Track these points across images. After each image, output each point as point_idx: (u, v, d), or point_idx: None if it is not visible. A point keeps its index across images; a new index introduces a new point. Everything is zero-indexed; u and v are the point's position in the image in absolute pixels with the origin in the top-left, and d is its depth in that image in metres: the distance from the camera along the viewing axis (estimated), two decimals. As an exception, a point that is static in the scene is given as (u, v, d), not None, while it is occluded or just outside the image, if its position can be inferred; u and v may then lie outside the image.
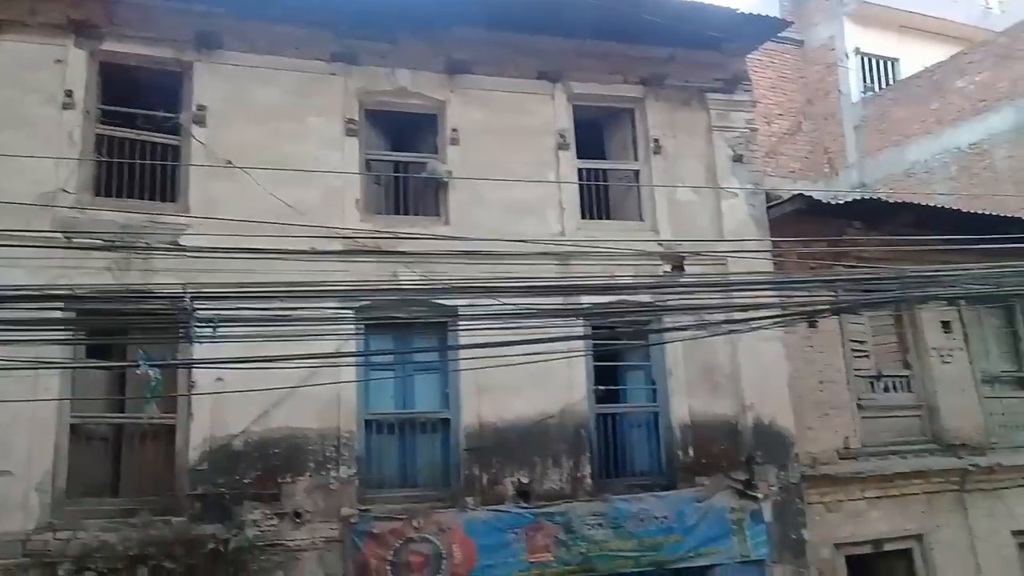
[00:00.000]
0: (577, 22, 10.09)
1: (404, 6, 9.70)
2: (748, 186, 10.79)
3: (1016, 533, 11.56)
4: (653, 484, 9.79)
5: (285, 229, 8.38)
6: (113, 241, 8.38)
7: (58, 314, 7.15)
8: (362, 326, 8.70)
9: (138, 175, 8.89)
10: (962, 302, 11.26)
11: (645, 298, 9.41)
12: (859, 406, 11.20)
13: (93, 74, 8.95)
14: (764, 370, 10.26)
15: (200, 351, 7.54)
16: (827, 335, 11.04)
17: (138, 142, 9.00)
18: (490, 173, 9.55)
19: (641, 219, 10.55)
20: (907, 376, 11.81)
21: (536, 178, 9.89)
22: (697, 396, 10.09)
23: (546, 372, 8.88)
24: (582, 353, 9.38)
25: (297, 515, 8.48)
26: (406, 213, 9.95)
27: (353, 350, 8.57)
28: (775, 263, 10.37)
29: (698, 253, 10.11)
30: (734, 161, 10.83)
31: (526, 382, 9.13)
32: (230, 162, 8.90)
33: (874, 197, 12.43)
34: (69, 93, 8.68)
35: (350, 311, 8.18)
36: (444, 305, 8.87)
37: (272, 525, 8.40)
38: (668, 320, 9.37)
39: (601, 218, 10.51)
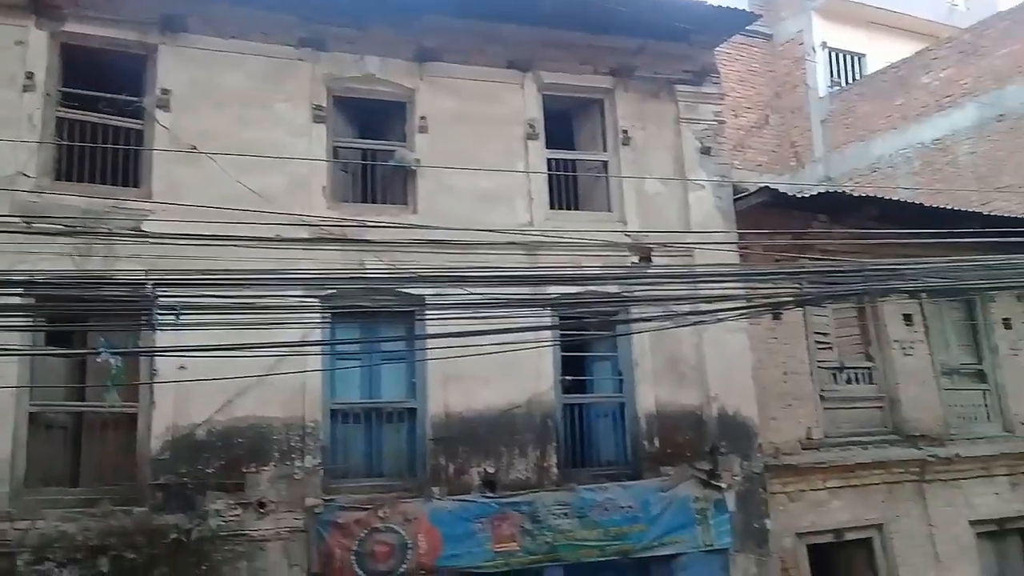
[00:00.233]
0: (547, 12, 10.07)
1: (373, -8, 9.63)
2: (715, 178, 10.85)
3: (974, 523, 11.78)
4: (619, 474, 9.85)
5: (250, 216, 8.28)
6: (74, 226, 8.24)
7: (17, 300, 6.99)
8: (328, 315, 8.63)
9: (100, 159, 8.75)
10: (923, 295, 11.42)
11: (612, 289, 9.43)
12: (822, 397, 11.34)
13: (54, 56, 8.78)
14: (729, 361, 10.34)
15: (163, 339, 7.46)
16: (791, 327, 11.16)
17: (100, 126, 8.86)
18: (459, 162, 9.51)
19: (609, 210, 10.57)
20: (869, 368, 11.97)
21: (505, 167, 9.87)
22: (663, 386, 10.15)
23: (513, 362, 8.86)
24: (549, 343, 9.39)
25: (261, 505, 8.42)
26: (374, 201, 9.89)
27: (319, 339, 8.52)
28: (741, 255, 10.46)
29: (665, 244, 10.14)
30: (702, 153, 10.88)
31: (493, 372, 9.12)
32: (195, 147, 8.79)
33: (839, 191, 12.55)
34: (30, 75, 8.52)
35: (316, 299, 8.12)
36: (411, 294, 8.82)
37: (236, 515, 8.33)
38: (635, 311, 9.43)
39: (569, 208, 10.51)
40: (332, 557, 8.40)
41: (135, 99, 9.04)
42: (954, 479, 11.77)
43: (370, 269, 8.86)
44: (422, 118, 9.85)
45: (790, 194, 11.20)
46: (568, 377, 9.93)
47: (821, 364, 11.51)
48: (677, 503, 9.64)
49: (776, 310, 10.15)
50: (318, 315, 8.20)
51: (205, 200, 8.34)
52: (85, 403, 8.51)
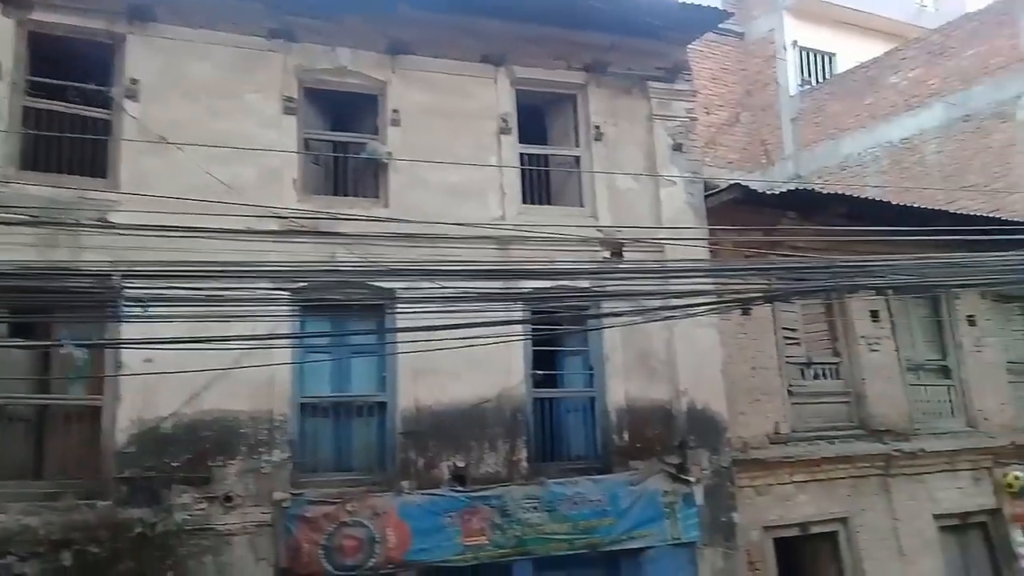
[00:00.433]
0: (521, 6, 10.07)
1: (345, -17, 9.57)
2: (687, 175, 10.90)
3: (937, 516, 11.96)
4: (589, 468, 9.88)
5: (220, 208, 8.19)
6: (39, 216, 8.10)
7: (-21, 291, 6.90)
8: (298, 308, 8.59)
9: (67, 149, 8.64)
10: (890, 292, 11.55)
11: (584, 284, 9.47)
12: (790, 392, 11.45)
13: (22, 45, 8.63)
14: (699, 356, 10.40)
15: (129, 331, 7.41)
16: (760, 323, 11.25)
17: (67, 115, 8.73)
18: (431, 156, 9.49)
19: (581, 205, 10.58)
20: (836, 363, 12.10)
21: (477, 162, 9.85)
22: (633, 381, 10.19)
23: (484, 356, 8.85)
24: (520, 337, 9.39)
25: (228, 499, 8.35)
26: (345, 194, 9.84)
27: (288, 332, 8.46)
28: (711, 251, 10.52)
29: (636, 240, 10.19)
30: (673, 150, 10.92)
31: (464, 366, 9.12)
32: (163, 138, 8.68)
33: (808, 188, 12.67)
34: (-4, 63, 8.37)
35: (286, 292, 8.06)
36: (382, 288, 8.79)
37: (202, 509, 8.26)
38: (606, 306, 9.47)
39: (542, 203, 10.52)
40: (300, 551, 8.36)
41: (103, 88, 8.90)
42: (918, 473, 11.94)
43: (341, 262, 8.80)
44: (394, 111, 9.80)
45: (760, 191, 11.30)
46: (539, 371, 9.93)
47: (789, 360, 11.63)
48: (646, 497, 9.70)
49: (745, 306, 10.22)
50: (288, 308, 8.15)
51: (173, 191, 8.28)
52: (49, 395, 8.38)
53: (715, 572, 9.92)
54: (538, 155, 10.69)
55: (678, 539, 9.73)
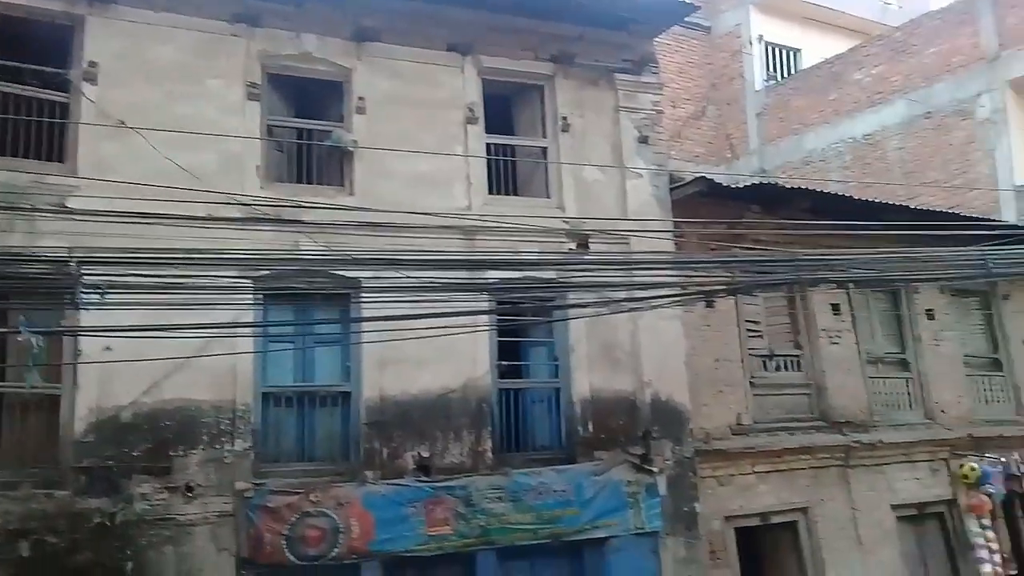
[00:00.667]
0: (489, -5, 10.04)
1: (311, -32, 9.46)
2: (652, 167, 10.95)
3: (895, 507, 12.15)
4: (553, 458, 9.90)
5: (180, 194, 8.06)
6: (-6, 201, 7.94)
7: (-68, 277, 6.74)
8: (261, 296, 8.51)
9: (24, 133, 8.43)
10: (851, 285, 11.70)
11: (549, 274, 9.47)
12: (752, 384, 11.56)
13: (-25, 25, 8.44)
14: (663, 348, 10.47)
15: (87, 318, 7.27)
16: (724, 315, 11.34)
17: (25, 98, 8.53)
18: (397, 144, 9.42)
19: (548, 196, 10.59)
20: (798, 356, 12.22)
21: (443, 151, 9.81)
22: (598, 372, 10.22)
23: (449, 346, 8.89)
24: (486, 328, 9.40)
25: (189, 489, 8.26)
26: (309, 182, 9.73)
27: (251, 321, 8.37)
28: (676, 243, 10.59)
29: (602, 231, 10.21)
30: (640, 142, 10.96)
31: (429, 356, 9.12)
32: (123, 122, 8.52)
33: (772, 182, 12.80)
34: (-52, 44, 8.17)
35: (248, 280, 7.98)
36: (347, 277, 8.73)
37: (162, 499, 8.16)
38: (572, 297, 9.48)
39: (508, 194, 10.51)
40: (262, 542, 8.30)
41: (61, 71, 8.73)
42: (877, 464, 12.11)
43: (305, 251, 8.71)
44: (360, 99, 9.72)
45: (725, 185, 11.38)
46: (504, 362, 9.94)
47: (752, 352, 11.73)
48: (610, 487, 9.75)
49: (709, 298, 10.32)
50: (250, 296, 8.07)
51: (133, 176, 8.13)
52: (5, 383, 8.20)
53: (677, 561, 10.01)
54: (505, 145, 10.66)
55: (641, 529, 9.80)
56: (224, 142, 8.77)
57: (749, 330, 11.76)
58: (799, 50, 21.23)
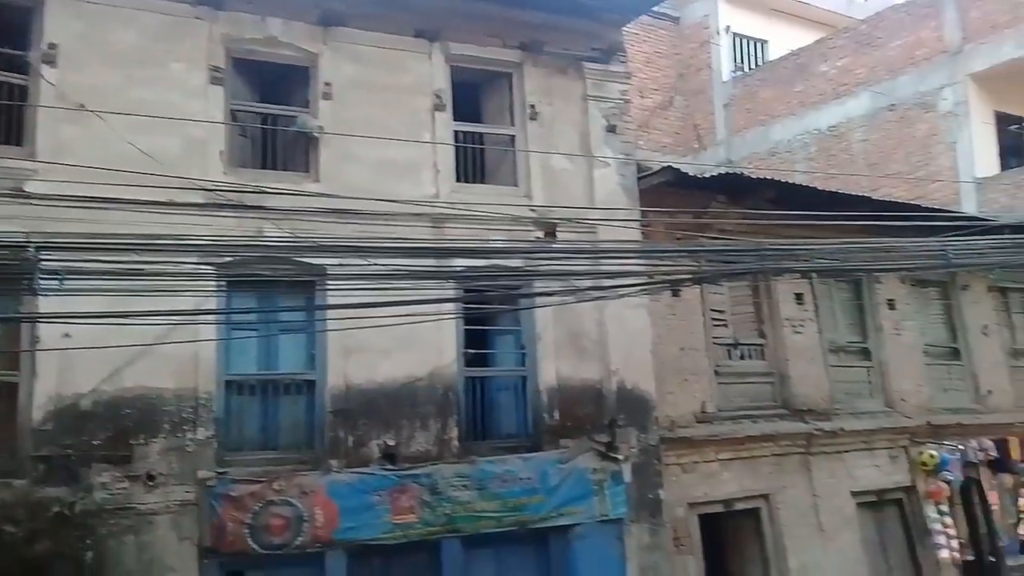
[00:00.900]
0: (456, -19, 9.97)
1: (276, -49, 9.33)
2: (620, 156, 10.96)
3: (855, 493, 12.33)
4: (519, 446, 9.92)
5: (142, 179, 7.95)
6: (-51, 185, 7.77)
7: None
8: (224, 283, 8.41)
9: (-21, 116, 8.27)
10: (814, 275, 11.85)
11: (516, 263, 9.45)
12: (716, 372, 11.64)
13: (-70, 4, 8.23)
14: (629, 337, 10.51)
15: (46, 304, 7.15)
16: (689, 304, 11.41)
17: (-19, 80, 8.36)
18: (363, 130, 9.34)
19: (515, 184, 10.57)
20: (761, 345, 12.34)
21: (410, 138, 9.73)
22: (565, 361, 10.24)
23: (416, 334, 8.86)
24: (453, 316, 9.38)
25: (150, 477, 8.16)
26: (274, 168, 9.63)
27: (214, 308, 8.28)
28: (643, 232, 10.62)
29: (570, 220, 10.22)
30: (607, 131, 10.97)
31: (395, 344, 9.07)
32: (83, 105, 8.36)
33: (738, 173, 12.86)
34: (-99, 23, 7.96)
35: (211, 267, 7.88)
36: (312, 264, 8.66)
37: (123, 488, 8.05)
38: (539, 285, 9.48)
39: (476, 182, 10.47)
40: (225, 531, 8.23)
41: (20, 53, 8.53)
42: (838, 452, 12.27)
43: (269, 237, 8.62)
44: (326, 84, 9.61)
45: (692, 175, 11.43)
46: (471, 350, 9.93)
47: (716, 340, 11.82)
48: (575, 475, 9.79)
49: (675, 287, 10.39)
50: (213, 283, 7.97)
51: (93, 161, 7.96)
52: (-39, 371, 8.08)
53: (642, 548, 10.08)
54: (473, 133, 10.62)
55: (606, 516, 9.86)
56: (187, 127, 8.64)
57: (714, 319, 11.85)
58: (766, 41, 21.40)
